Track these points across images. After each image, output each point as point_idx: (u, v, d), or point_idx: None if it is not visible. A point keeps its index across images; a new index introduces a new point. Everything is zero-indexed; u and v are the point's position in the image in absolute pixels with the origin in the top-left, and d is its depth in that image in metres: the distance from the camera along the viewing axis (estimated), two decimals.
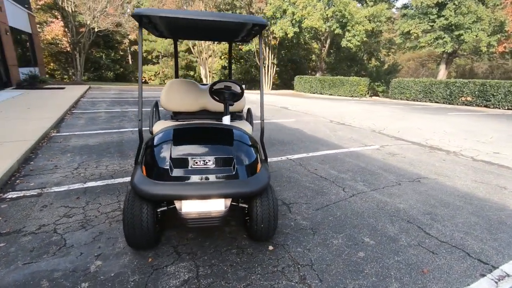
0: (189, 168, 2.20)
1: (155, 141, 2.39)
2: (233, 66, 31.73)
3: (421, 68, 35.83)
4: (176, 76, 4.01)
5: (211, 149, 2.34)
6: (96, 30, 19.97)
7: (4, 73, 12.97)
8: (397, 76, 28.80)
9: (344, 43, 21.09)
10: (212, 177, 2.20)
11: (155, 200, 2.18)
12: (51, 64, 26.39)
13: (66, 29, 19.90)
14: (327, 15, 19.19)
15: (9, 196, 3.15)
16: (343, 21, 19.61)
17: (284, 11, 19.91)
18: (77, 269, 2.10)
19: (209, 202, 2.20)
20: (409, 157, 5.07)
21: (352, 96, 18.90)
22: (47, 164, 4.11)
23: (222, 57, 30.24)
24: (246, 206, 2.45)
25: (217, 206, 2.23)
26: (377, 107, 13.04)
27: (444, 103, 15.76)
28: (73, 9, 18.69)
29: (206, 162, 2.23)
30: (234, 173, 2.25)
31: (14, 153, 4.16)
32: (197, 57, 24.97)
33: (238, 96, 3.12)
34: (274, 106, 11.61)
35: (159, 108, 3.73)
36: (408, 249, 2.47)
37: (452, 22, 18.95)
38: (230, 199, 2.28)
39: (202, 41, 24.22)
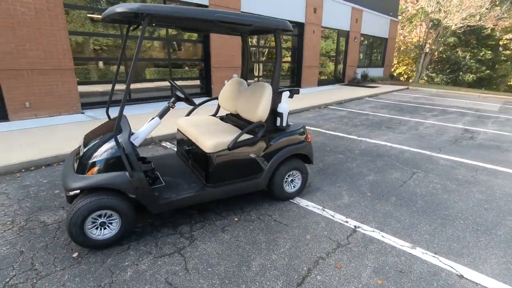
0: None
1: None
2: None
3: None
4: (242, 76, 3.67)
5: (94, 141, 2.51)
6: (453, 28, 18.08)
7: (342, 72, 16.43)
8: None
9: None
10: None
11: None
12: (413, 65, 27.77)
13: (430, 31, 19.83)
14: None
15: None
16: None
17: None
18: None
19: None
20: None
21: None
22: None
23: None
24: None
25: None
26: None
27: None
28: (431, 10, 18.14)
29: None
30: (82, 167, 2.35)
31: None
32: None
33: (184, 101, 2.66)
34: None
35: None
36: None
37: None
38: None
39: None
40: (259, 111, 2.86)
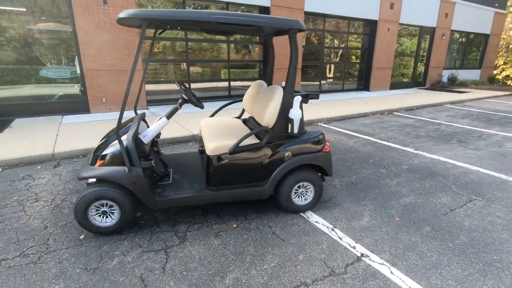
0: None
1: None
2: None
3: None
4: (266, 78, 3.46)
5: (108, 137, 2.76)
6: None
7: (423, 75, 14.48)
8: None
9: None
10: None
11: None
12: None
13: None
14: None
15: None
16: None
17: None
18: None
19: None
20: None
21: None
22: None
23: None
24: None
25: None
26: None
27: None
28: None
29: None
30: (93, 159, 2.63)
31: None
32: None
33: (190, 102, 2.71)
34: None
35: None
36: None
37: None
38: None
39: None
40: (266, 116, 2.72)
